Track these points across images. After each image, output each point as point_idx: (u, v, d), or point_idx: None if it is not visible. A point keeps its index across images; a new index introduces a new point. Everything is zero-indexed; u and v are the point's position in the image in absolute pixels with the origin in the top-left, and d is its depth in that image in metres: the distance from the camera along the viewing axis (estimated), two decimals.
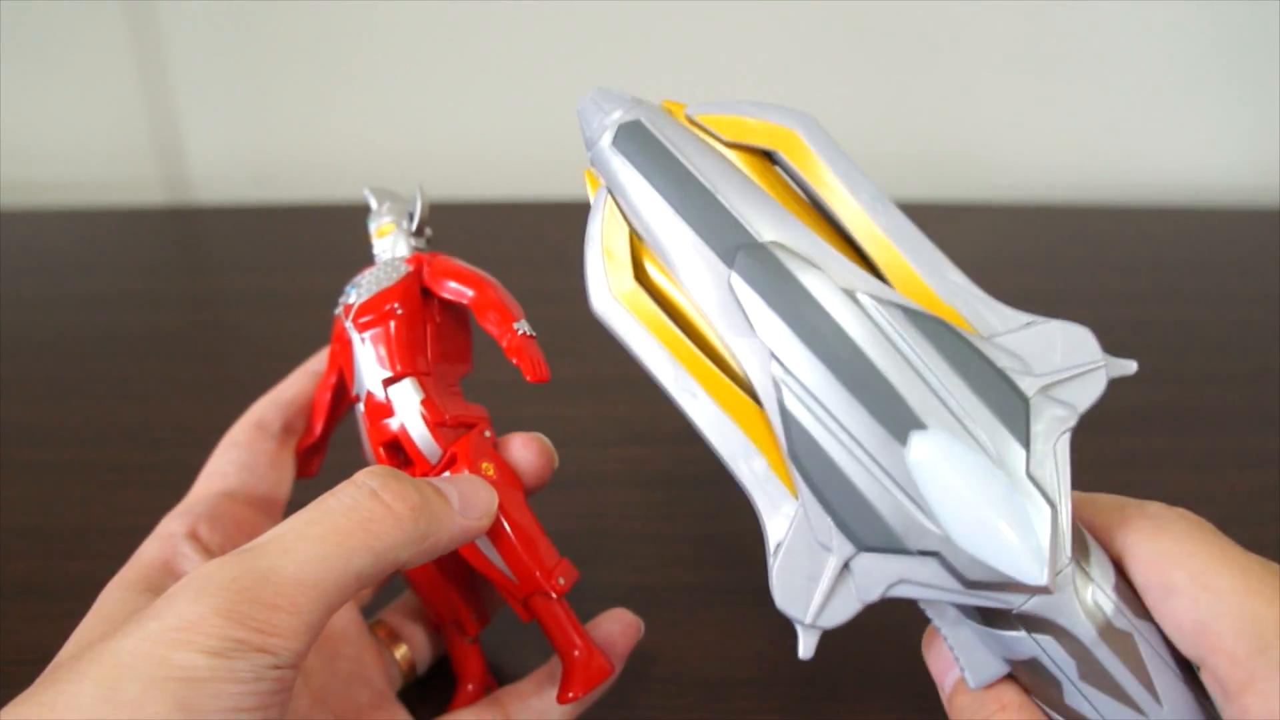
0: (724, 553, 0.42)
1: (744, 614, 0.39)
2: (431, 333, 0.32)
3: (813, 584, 0.23)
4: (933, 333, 0.24)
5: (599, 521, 0.43)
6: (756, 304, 0.24)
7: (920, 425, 0.23)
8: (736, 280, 0.24)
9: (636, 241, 0.26)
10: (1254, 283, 0.63)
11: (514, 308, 0.31)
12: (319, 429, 0.34)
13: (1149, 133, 0.73)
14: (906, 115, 0.73)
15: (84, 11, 0.69)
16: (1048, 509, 0.22)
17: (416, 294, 0.32)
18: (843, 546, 0.23)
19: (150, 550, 0.29)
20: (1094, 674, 0.23)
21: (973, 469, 0.23)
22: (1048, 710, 0.25)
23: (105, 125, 0.74)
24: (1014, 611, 0.23)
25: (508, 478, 0.30)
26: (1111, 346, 0.24)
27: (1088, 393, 0.24)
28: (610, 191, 0.26)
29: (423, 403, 0.30)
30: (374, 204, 0.35)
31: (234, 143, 0.75)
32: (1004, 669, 0.25)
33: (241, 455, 0.32)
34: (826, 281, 0.24)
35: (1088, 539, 0.24)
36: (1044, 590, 0.22)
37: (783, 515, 0.24)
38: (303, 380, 0.34)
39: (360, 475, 0.25)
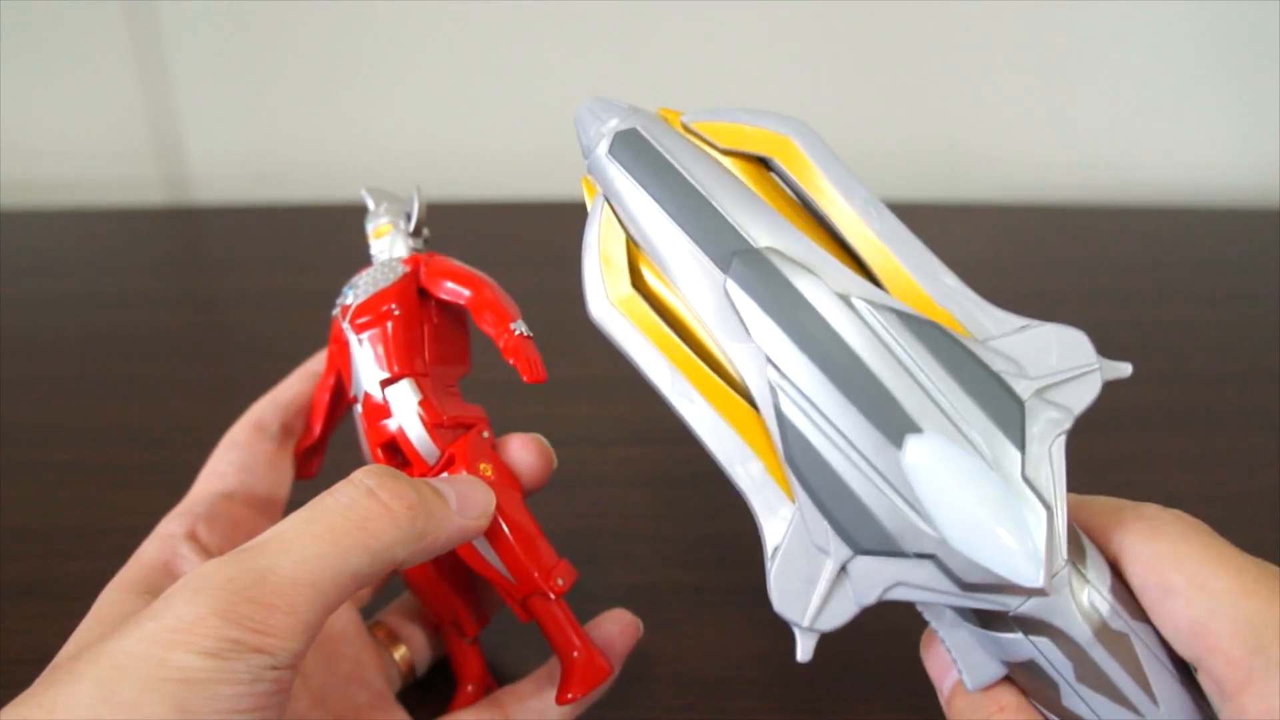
0: (724, 553, 0.42)
1: (744, 614, 0.39)
2: (429, 333, 0.32)
3: (810, 587, 0.23)
4: (927, 336, 0.24)
5: (598, 521, 0.43)
6: (752, 309, 0.24)
7: (915, 428, 0.23)
8: (732, 286, 0.24)
9: (633, 248, 0.26)
10: (1254, 283, 0.63)
11: (511, 308, 0.31)
12: (318, 430, 0.34)
13: (1149, 133, 0.73)
14: (906, 115, 0.73)
15: (84, 11, 0.69)
16: (1043, 511, 0.22)
17: (413, 295, 0.32)
18: (839, 550, 0.23)
19: (149, 551, 0.29)
20: (1091, 675, 0.23)
21: (968, 472, 0.23)
22: (1045, 712, 0.25)
23: (105, 125, 0.74)
24: (1010, 614, 0.23)
25: (505, 478, 0.30)
26: (1110, 346, 0.24)
27: (1083, 395, 0.24)
28: (607, 199, 0.26)
29: (420, 404, 0.30)
30: (371, 205, 0.35)
31: (234, 143, 0.75)
32: (1001, 671, 0.25)
33: (240, 456, 0.32)
34: (821, 286, 0.24)
35: (1084, 541, 0.24)
36: (1040, 592, 0.22)
37: (780, 519, 0.24)
38: (302, 381, 0.34)
39: (357, 474, 0.25)
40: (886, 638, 0.35)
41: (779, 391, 0.24)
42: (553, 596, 0.30)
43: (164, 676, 0.21)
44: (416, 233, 0.34)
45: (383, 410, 0.31)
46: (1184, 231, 0.69)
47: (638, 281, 0.26)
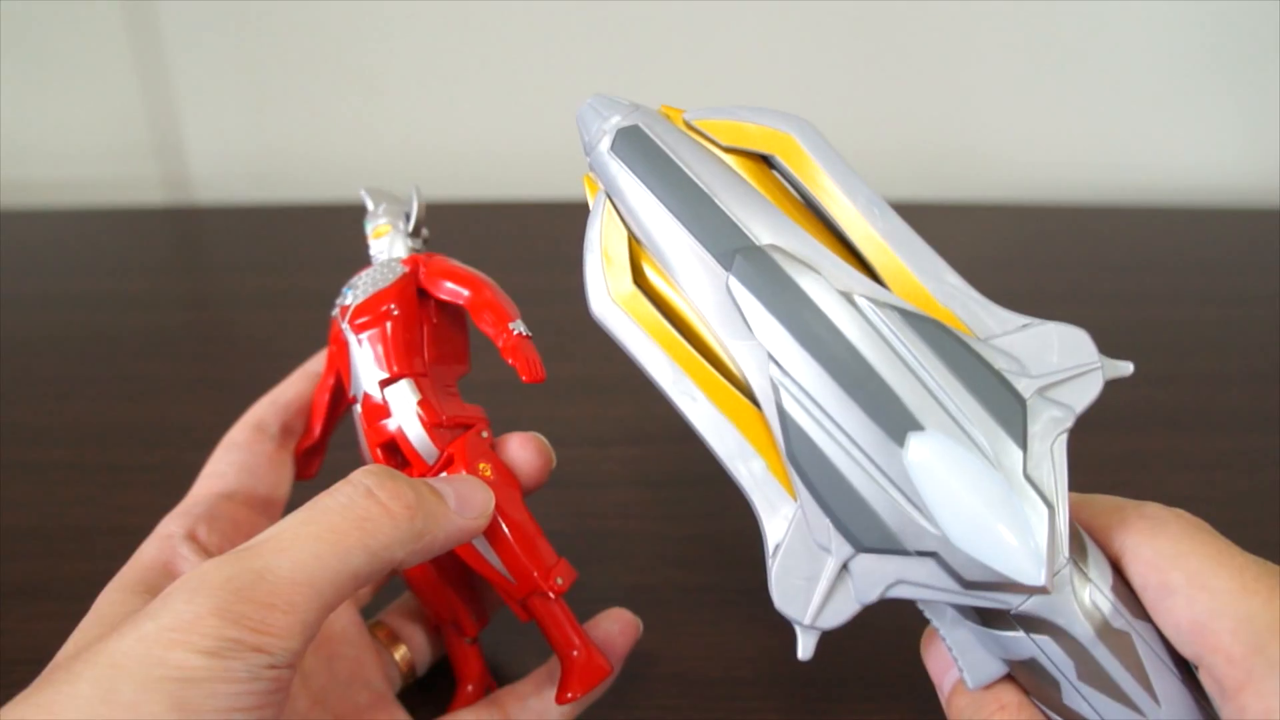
0: (724, 553, 0.42)
1: (744, 614, 0.39)
2: (428, 334, 0.32)
3: (811, 585, 0.24)
4: (930, 335, 0.24)
5: (599, 521, 0.43)
6: (754, 307, 0.24)
7: (918, 426, 0.23)
8: (734, 283, 0.24)
9: (635, 246, 0.26)
10: (1254, 283, 0.63)
11: (510, 307, 0.31)
12: (318, 430, 0.34)
13: (1149, 133, 0.73)
14: (906, 115, 0.73)
15: (83, 11, 0.69)
16: (1045, 510, 0.23)
17: (413, 295, 0.32)
18: (841, 548, 0.23)
19: (149, 551, 0.29)
20: (1092, 674, 0.23)
21: (970, 470, 0.23)
22: (1046, 710, 0.25)
23: (105, 125, 0.74)
24: (1012, 612, 0.23)
25: (505, 478, 0.30)
26: (1111, 346, 0.24)
27: (1084, 394, 0.24)
28: (609, 196, 0.26)
29: (419, 404, 0.30)
30: (370, 205, 0.35)
31: (234, 143, 0.75)
32: (1002, 669, 0.25)
33: (240, 456, 0.32)
34: (824, 284, 0.24)
35: (1085, 539, 0.24)
36: (1041, 590, 0.22)
37: (781, 517, 0.24)
38: (301, 382, 0.34)
39: (356, 474, 0.25)
40: (886, 638, 0.35)
41: (781, 389, 0.24)
42: (552, 596, 0.30)
43: (162, 675, 0.21)
44: (415, 233, 0.34)
45: (382, 410, 0.31)
46: (1184, 231, 0.69)
47: (640, 279, 0.26)
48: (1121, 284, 0.62)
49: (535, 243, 0.66)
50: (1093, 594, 0.23)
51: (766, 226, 0.25)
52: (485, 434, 0.31)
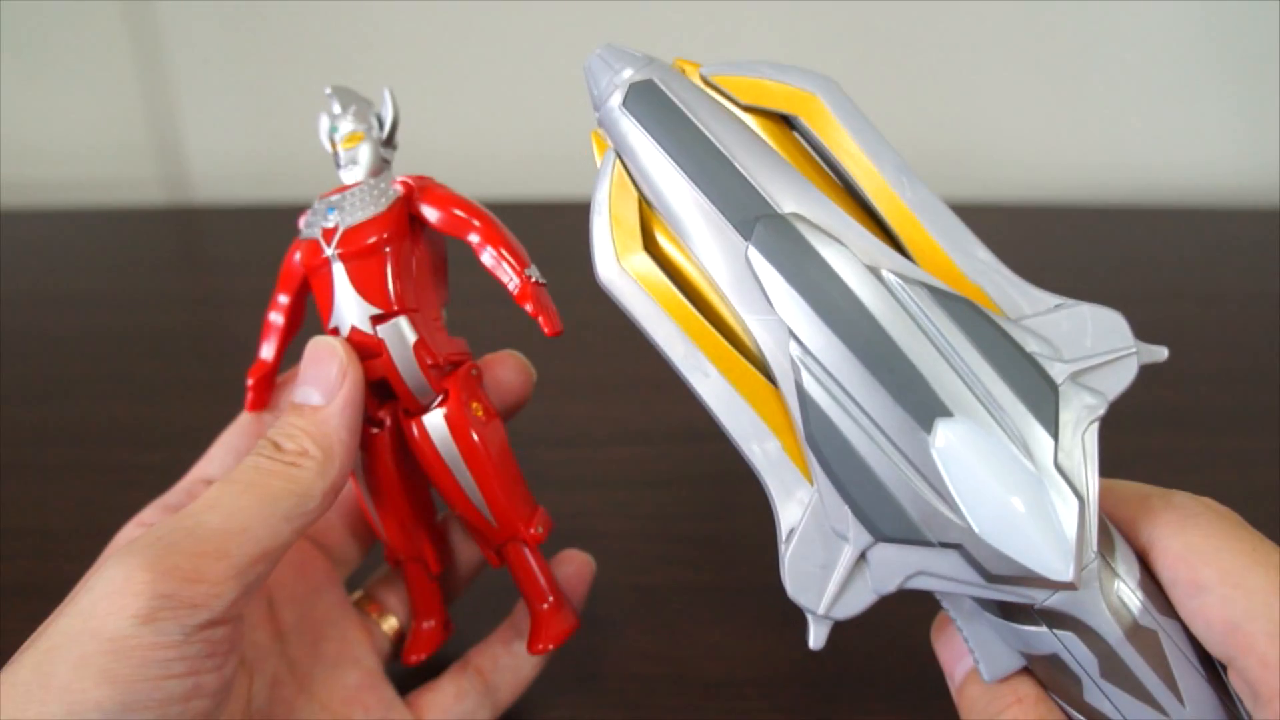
0: (724, 553, 0.42)
1: (744, 614, 0.38)
2: (417, 264, 0.30)
3: (827, 573, 0.22)
4: (960, 314, 0.22)
5: (599, 521, 0.43)
6: (775, 280, 0.23)
7: (946, 412, 0.22)
8: (754, 254, 0.23)
9: (646, 209, 0.24)
10: (1254, 283, 0.63)
11: (523, 249, 0.29)
12: (271, 355, 0.31)
13: (1149, 133, 0.73)
14: (906, 115, 0.73)
15: (83, 11, 0.69)
16: (1075, 502, 0.21)
17: (406, 223, 0.29)
18: (860, 536, 0.22)
19: (124, 536, 0.30)
20: (1116, 672, 0.22)
21: (999, 459, 0.22)
22: (1065, 706, 0.24)
23: (105, 124, 0.74)
24: (1036, 607, 0.22)
25: (492, 416, 0.30)
26: None
27: (1119, 380, 0.23)
28: (619, 155, 0.24)
29: (416, 345, 0.28)
30: (337, 107, 0.31)
31: (234, 143, 0.75)
32: (1020, 662, 0.24)
33: (231, 439, 0.32)
34: (850, 257, 0.23)
35: (1112, 531, 0.23)
36: (1069, 586, 0.21)
37: (796, 501, 0.23)
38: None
39: (257, 444, 0.27)
40: (889, 635, 0.35)
41: (801, 367, 0.22)
42: (530, 544, 0.30)
43: (94, 650, 0.21)
44: (389, 141, 0.31)
45: (372, 346, 0.29)
46: (1184, 231, 0.69)
47: (650, 245, 0.24)
48: (1121, 284, 0.62)
49: (535, 243, 0.66)
50: (1120, 590, 0.22)
51: (789, 193, 0.23)
52: (475, 371, 0.30)
